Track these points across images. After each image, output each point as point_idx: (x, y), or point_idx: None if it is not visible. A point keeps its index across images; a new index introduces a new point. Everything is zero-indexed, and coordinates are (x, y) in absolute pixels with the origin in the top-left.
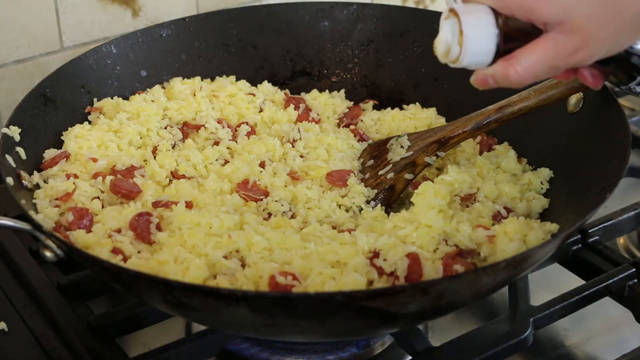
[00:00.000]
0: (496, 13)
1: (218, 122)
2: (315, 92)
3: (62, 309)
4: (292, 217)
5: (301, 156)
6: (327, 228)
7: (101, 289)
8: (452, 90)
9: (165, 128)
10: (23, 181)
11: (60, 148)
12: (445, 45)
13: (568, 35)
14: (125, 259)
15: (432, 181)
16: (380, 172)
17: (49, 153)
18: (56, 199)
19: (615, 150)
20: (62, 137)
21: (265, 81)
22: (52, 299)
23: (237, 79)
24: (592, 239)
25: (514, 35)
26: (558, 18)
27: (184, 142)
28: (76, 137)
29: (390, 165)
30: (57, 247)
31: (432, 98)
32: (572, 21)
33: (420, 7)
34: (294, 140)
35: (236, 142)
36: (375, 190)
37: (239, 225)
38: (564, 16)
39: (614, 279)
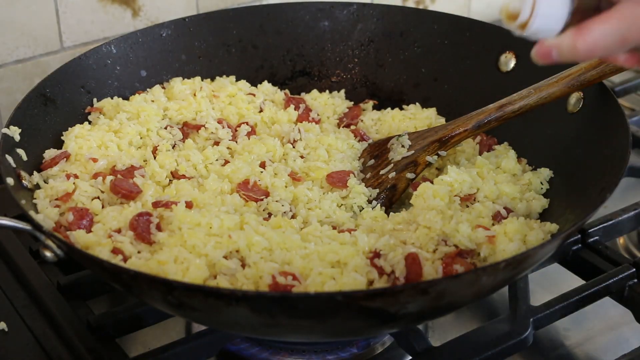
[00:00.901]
0: None
1: (218, 122)
2: (315, 92)
3: (62, 309)
4: (293, 217)
5: (302, 157)
6: (327, 228)
7: (101, 289)
8: (452, 90)
9: (165, 128)
10: (23, 181)
11: (60, 148)
12: (516, 5)
13: None
14: (125, 259)
15: (432, 182)
16: (382, 172)
17: (49, 153)
18: (56, 199)
19: (615, 150)
20: (62, 137)
21: (265, 81)
22: (52, 299)
23: (237, 79)
24: (592, 239)
25: (586, 7)
26: None
27: (184, 142)
28: (76, 137)
29: (392, 164)
30: (57, 247)
31: (432, 98)
32: None
33: (421, 7)
34: (294, 141)
35: (236, 142)
36: (377, 190)
37: (239, 225)
38: None
39: (614, 279)
